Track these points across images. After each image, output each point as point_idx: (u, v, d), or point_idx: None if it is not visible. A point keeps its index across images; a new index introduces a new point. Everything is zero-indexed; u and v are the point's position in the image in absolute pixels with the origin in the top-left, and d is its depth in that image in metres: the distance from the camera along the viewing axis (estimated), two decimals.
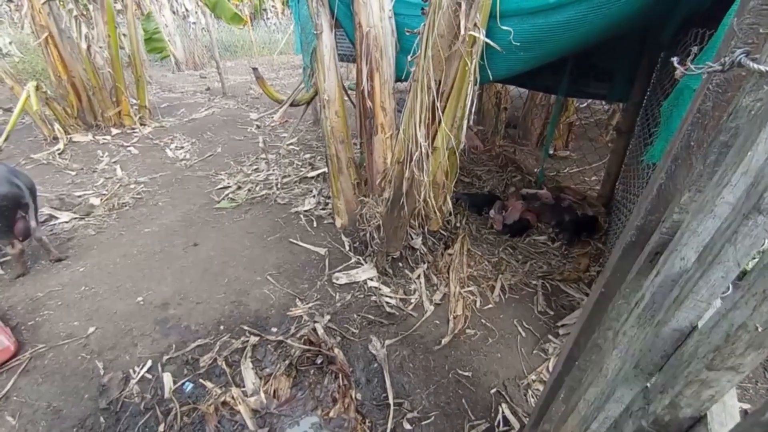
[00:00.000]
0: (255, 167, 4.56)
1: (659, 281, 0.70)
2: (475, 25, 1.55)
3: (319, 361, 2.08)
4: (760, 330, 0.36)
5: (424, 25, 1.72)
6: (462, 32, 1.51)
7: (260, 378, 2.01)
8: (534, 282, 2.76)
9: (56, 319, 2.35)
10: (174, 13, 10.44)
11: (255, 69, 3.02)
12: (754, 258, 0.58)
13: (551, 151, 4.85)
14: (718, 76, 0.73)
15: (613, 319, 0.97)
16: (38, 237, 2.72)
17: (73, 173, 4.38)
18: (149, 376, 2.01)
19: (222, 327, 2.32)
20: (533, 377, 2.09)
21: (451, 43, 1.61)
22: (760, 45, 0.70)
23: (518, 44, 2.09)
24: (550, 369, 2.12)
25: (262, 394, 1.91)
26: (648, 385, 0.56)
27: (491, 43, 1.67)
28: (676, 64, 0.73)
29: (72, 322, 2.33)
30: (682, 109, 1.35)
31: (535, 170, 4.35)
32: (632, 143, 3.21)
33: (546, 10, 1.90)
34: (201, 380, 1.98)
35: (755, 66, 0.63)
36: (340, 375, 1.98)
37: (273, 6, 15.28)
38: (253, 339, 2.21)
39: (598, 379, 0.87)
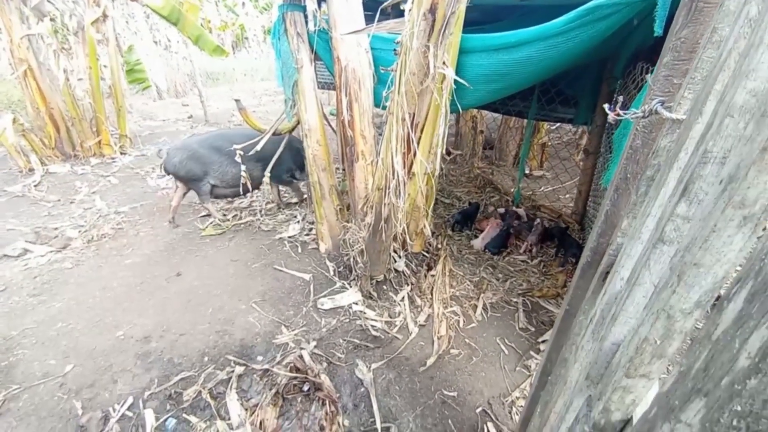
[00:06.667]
0: None
1: (606, 299, 0.79)
2: (444, 63, 1.69)
3: (305, 388, 2.08)
4: (658, 343, 0.44)
5: (397, 63, 1.85)
6: (432, 71, 1.64)
7: (246, 409, 1.98)
8: (515, 299, 2.85)
9: (31, 359, 2.28)
10: (156, 43, 10.58)
11: (237, 100, 3.12)
12: None
13: (527, 171, 5.07)
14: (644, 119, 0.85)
15: (576, 334, 1.05)
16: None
17: (50, 205, 4.30)
18: (130, 413, 1.96)
19: (206, 358, 2.29)
20: (517, 394, 2.14)
21: (423, 80, 1.74)
22: (674, 94, 0.83)
23: (485, 77, 2.27)
24: None
25: (249, 427, 1.88)
26: (590, 393, 0.64)
27: (460, 80, 1.81)
28: (607, 110, 0.84)
29: (48, 361, 2.26)
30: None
31: (512, 190, 4.53)
32: (599, 163, 3.43)
33: (509, 47, 2.09)
34: (185, 415, 1.95)
35: (668, 114, 0.75)
36: (328, 401, 1.98)
37: (255, 35, 15.67)
38: (239, 369, 2.19)
39: (564, 391, 0.94)
